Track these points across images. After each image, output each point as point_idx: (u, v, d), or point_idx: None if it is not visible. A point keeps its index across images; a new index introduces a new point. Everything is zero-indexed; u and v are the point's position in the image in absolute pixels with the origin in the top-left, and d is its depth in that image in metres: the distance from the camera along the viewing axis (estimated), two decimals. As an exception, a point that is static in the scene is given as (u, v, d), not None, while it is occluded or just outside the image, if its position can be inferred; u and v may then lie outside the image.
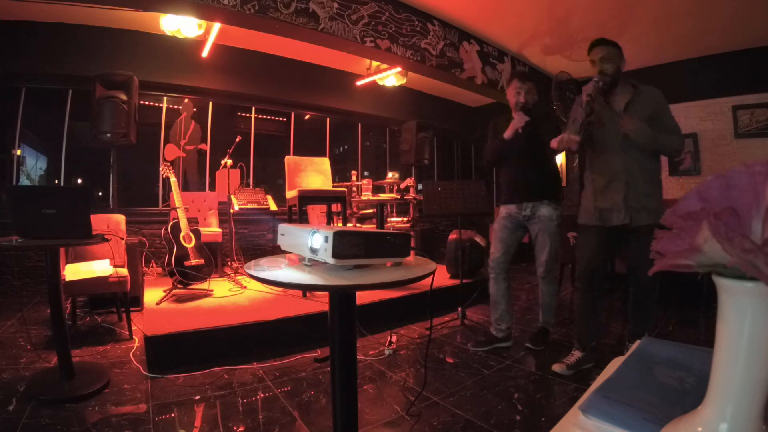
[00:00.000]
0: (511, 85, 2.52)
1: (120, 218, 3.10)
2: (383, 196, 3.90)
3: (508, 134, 2.41)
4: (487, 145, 2.62)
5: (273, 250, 4.64)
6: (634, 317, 2.19)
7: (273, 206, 3.98)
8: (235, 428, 1.63)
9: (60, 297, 1.89)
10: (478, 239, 3.80)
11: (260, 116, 5.55)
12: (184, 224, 3.14)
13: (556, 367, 2.16)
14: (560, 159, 6.22)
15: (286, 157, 3.79)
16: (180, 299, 2.96)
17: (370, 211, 4.28)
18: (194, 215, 4.20)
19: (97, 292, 2.67)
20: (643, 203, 1.99)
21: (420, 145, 5.72)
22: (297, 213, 3.25)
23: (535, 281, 2.59)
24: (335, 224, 4.06)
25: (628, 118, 1.96)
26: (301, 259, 1.02)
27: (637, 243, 2.05)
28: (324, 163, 3.96)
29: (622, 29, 4.14)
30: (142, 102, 4.23)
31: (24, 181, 4.41)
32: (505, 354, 2.44)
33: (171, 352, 2.19)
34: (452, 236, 3.79)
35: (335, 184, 4.09)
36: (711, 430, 0.29)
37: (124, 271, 2.68)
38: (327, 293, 0.99)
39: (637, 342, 0.55)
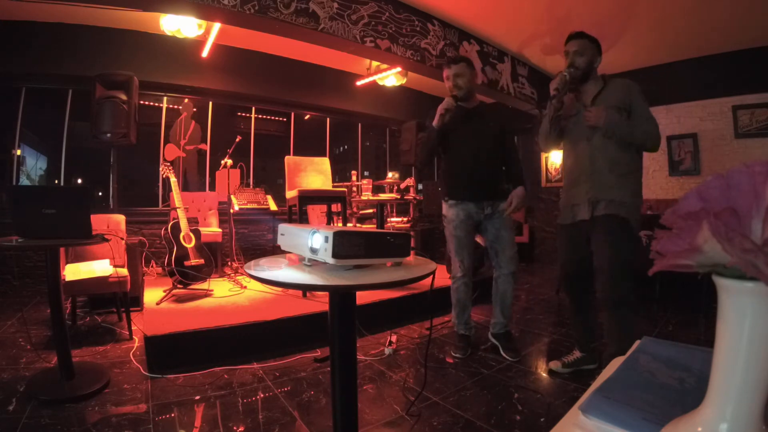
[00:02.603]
0: (443, 73, 2.37)
1: (120, 218, 3.10)
2: (383, 196, 3.90)
3: (436, 121, 2.28)
4: (419, 139, 2.39)
5: (273, 250, 4.64)
6: (608, 333, 1.87)
7: (273, 206, 3.98)
8: (235, 428, 1.62)
9: (60, 297, 1.89)
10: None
11: (260, 116, 5.55)
12: (184, 224, 3.14)
13: (552, 364, 2.17)
14: (560, 159, 6.22)
15: (286, 157, 3.79)
16: (180, 299, 2.96)
17: (370, 211, 4.28)
18: (194, 215, 4.20)
19: (97, 292, 2.67)
20: (605, 195, 1.86)
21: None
22: (297, 213, 3.25)
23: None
24: (335, 224, 4.06)
25: (593, 109, 1.85)
26: (301, 259, 1.02)
27: (595, 236, 1.89)
28: (324, 163, 3.96)
29: (622, 29, 4.14)
30: (142, 102, 4.23)
31: (24, 181, 4.41)
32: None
33: (171, 352, 2.19)
34: (452, 236, 3.79)
35: (335, 184, 4.10)
36: (711, 430, 0.29)
37: (124, 271, 2.68)
38: (327, 293, 1.00)
39: (637, 342, 0.55)
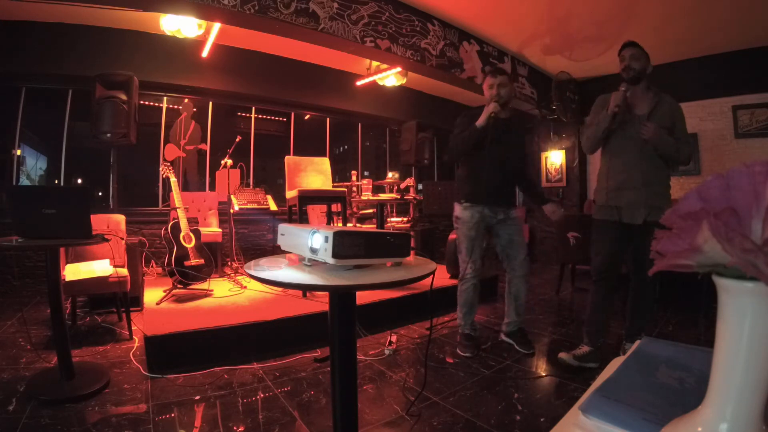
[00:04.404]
0: (485, 81, 2.47)
1: (120, 218, 3.10)
2: (383, 196, 3.89)
3: (481, 121, 2.32)
4: (454, 136, 2.45)
5: (273, 250, 4.64)
6: (634, 314, 2.25)
7: (273, 206, 3.98)
8: (235, 428, 1.62)
9: (60, 297, 1.89)
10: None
11: (260, 116, 5.54)
12: (184, 224, 3.14)
13: (563, 355, 2.22)
14: (560, 159, 6.23)
15: (286, 157, 3.78)
16: (180, 299, 2.96)
17: (370, 211, 4.28)
18: (194, 215, 4.20)
19: (97, 292, 2.67)
20: (658, 203, 2.08)
21: (420, 145, 5.72)
22: (297, 213, 3.25)
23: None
24: (335, 224, 4.06)
25: (652, 126, 2.01)
26: (301, 259, 1.02)
27: (646, 239, 2.09)
28: (324, 163, 3.96)
29: (622, 29, 4.14)
30: (142, 102, 4.23)
31: (24, 181, 4.41)
32: (505, 354, 2.44)
33: (171, 352, 2.19)
34: (452, 236, 3.79)
35: (335, 184, 4.09)
36: (711, 430, 0.29)
37: (124, 271, 2.68)
38: (327, 293, 0.99)
39: (637, 342, 0.55)
